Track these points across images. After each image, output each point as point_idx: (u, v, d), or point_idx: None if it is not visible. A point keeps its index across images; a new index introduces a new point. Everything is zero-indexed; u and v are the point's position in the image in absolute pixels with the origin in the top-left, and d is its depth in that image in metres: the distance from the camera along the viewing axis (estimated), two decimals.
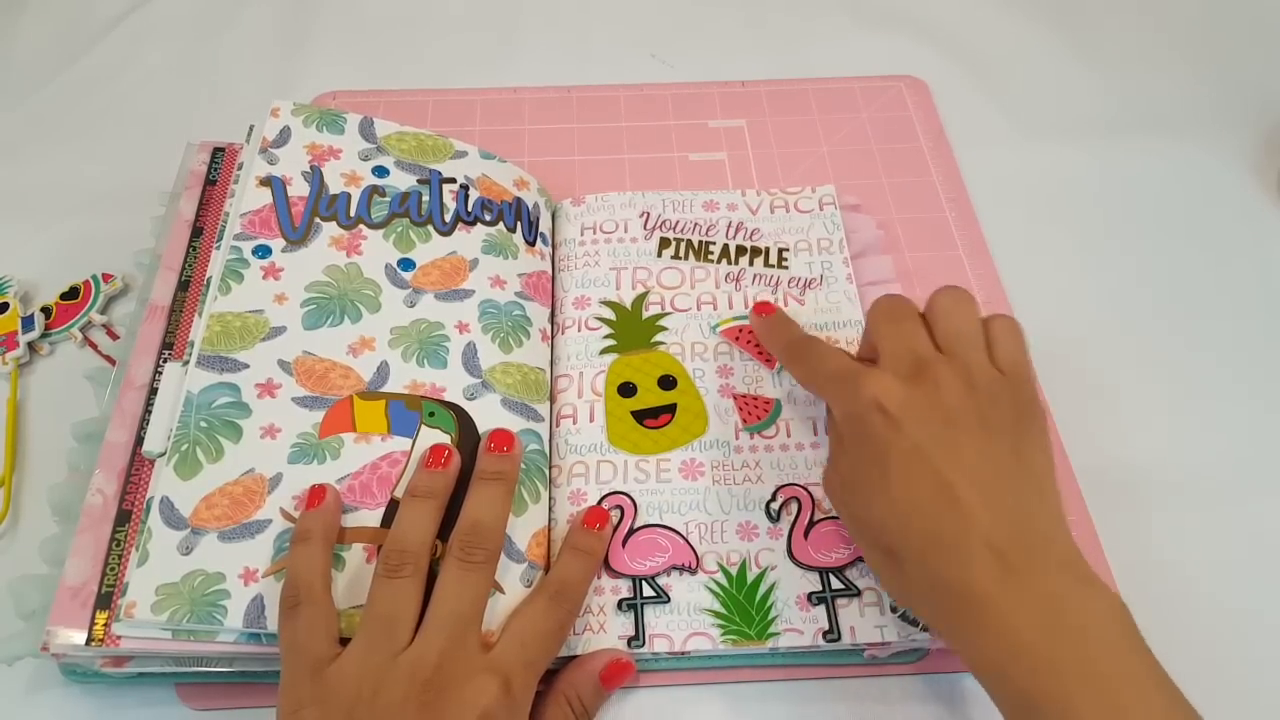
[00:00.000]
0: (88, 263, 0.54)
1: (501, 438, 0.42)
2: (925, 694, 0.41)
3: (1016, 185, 0.59)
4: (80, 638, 0.37)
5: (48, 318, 0.52)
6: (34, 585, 0.39)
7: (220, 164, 0.52)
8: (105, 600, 0.38)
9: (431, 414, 0.43)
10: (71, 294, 0.53)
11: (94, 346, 0.52)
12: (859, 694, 0.41)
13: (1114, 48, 0.68)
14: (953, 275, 0.54)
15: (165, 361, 0.44)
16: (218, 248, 0.46)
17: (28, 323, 0.51)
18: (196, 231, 0.49)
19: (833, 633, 0.40)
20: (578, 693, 0.38)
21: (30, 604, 0.39)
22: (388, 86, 0.64)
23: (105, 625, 0.37)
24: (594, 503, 0.43)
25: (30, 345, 0.51)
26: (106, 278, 0.53)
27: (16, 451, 0.48)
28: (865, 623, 0.40)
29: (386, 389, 0.43)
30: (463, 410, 0.43)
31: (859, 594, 0.40)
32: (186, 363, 0.43)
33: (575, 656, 0.39)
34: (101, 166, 0.60)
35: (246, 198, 0.47)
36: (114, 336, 0.52)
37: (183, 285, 0.47)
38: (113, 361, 0.50)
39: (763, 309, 0.47)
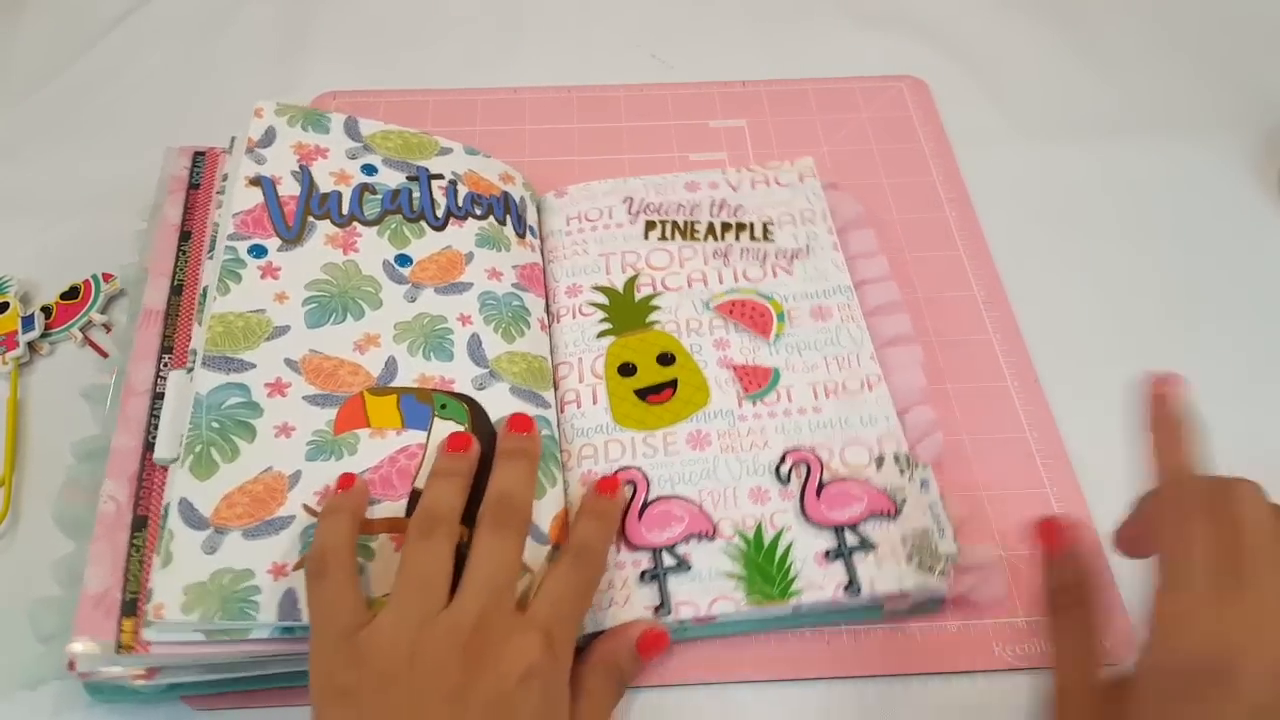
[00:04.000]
0: (88, 263, 0.54)
1: (520, 421, 0.42)
2: (926, 694, 0.41)
3: (1016, 185, 0.59)
4: (108, 647, 0.36)
5: (48, 317, 0.52)
6: (49, 608, 0.38)
7: (202, 168, 0.51)
8: (130, 608, 0.37)
9: (444, 406, 0.43)
10: (71, 294, 0.53)
11: (94, 346, 0.52)
12: (859, 694, 0.41)
13: (1114, 48, 0.68)
14: (953, 275, 0.54)
15: (166, 366, 0.44)
16: (210, 255, 0.46)
17: (28, 323, 0.51)
18: (185, 235, 0.49)
19: (853, 585, 0.40)
20: (616, 660, 0.38)
21: (48, 627, 0.38)
22: (388, 86, 0.64)
23: (134, 632, 0.36)
24: None
25: (30, 345, 0.51)
26: (106, 277, 0.53)
27: (16, 451, 0.48)
28: (883, 574, 0.40)
29: (396, 383, 0.43)
30: (474, 401, 0.43)
31: (874, 547, 0.41)
32: (190, 369, 0.42)
33: (604, 632, 0.39)
34: (101, 167, 0.59)
35: (237, 198, 0.47)
36: None
37: (176, 290, 0.46)
38: (109, 356, 0.50)
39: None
